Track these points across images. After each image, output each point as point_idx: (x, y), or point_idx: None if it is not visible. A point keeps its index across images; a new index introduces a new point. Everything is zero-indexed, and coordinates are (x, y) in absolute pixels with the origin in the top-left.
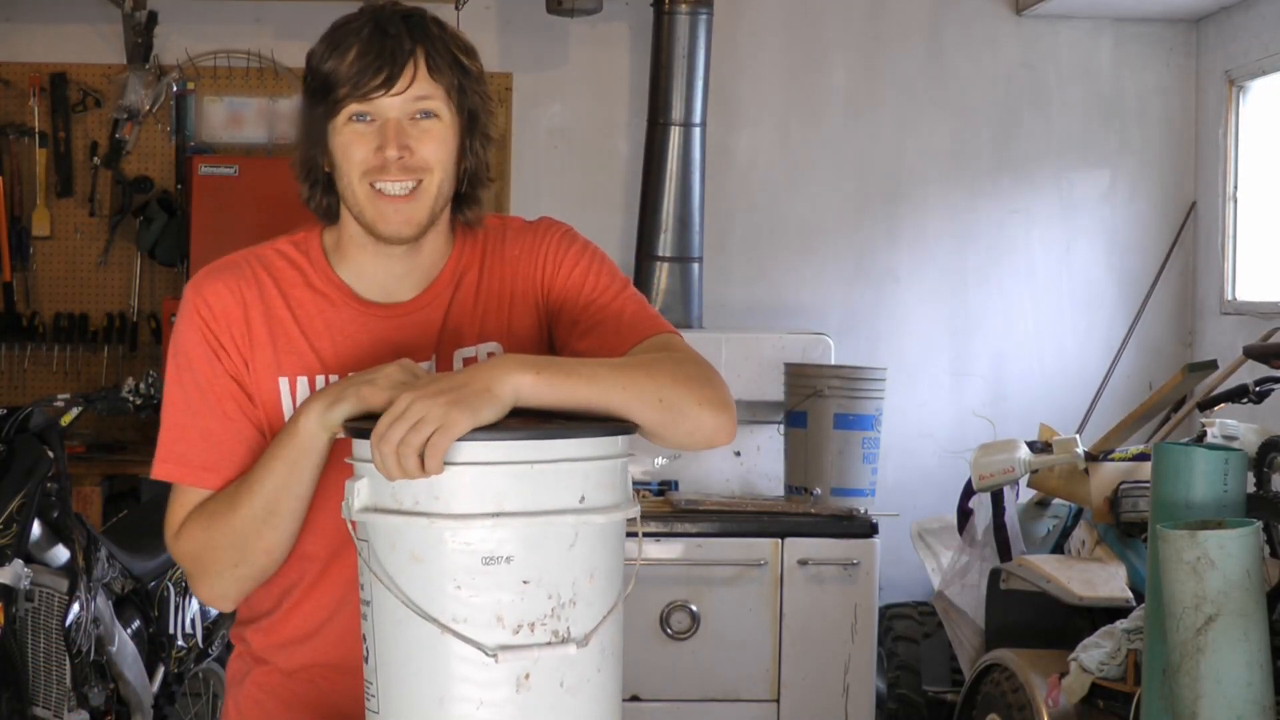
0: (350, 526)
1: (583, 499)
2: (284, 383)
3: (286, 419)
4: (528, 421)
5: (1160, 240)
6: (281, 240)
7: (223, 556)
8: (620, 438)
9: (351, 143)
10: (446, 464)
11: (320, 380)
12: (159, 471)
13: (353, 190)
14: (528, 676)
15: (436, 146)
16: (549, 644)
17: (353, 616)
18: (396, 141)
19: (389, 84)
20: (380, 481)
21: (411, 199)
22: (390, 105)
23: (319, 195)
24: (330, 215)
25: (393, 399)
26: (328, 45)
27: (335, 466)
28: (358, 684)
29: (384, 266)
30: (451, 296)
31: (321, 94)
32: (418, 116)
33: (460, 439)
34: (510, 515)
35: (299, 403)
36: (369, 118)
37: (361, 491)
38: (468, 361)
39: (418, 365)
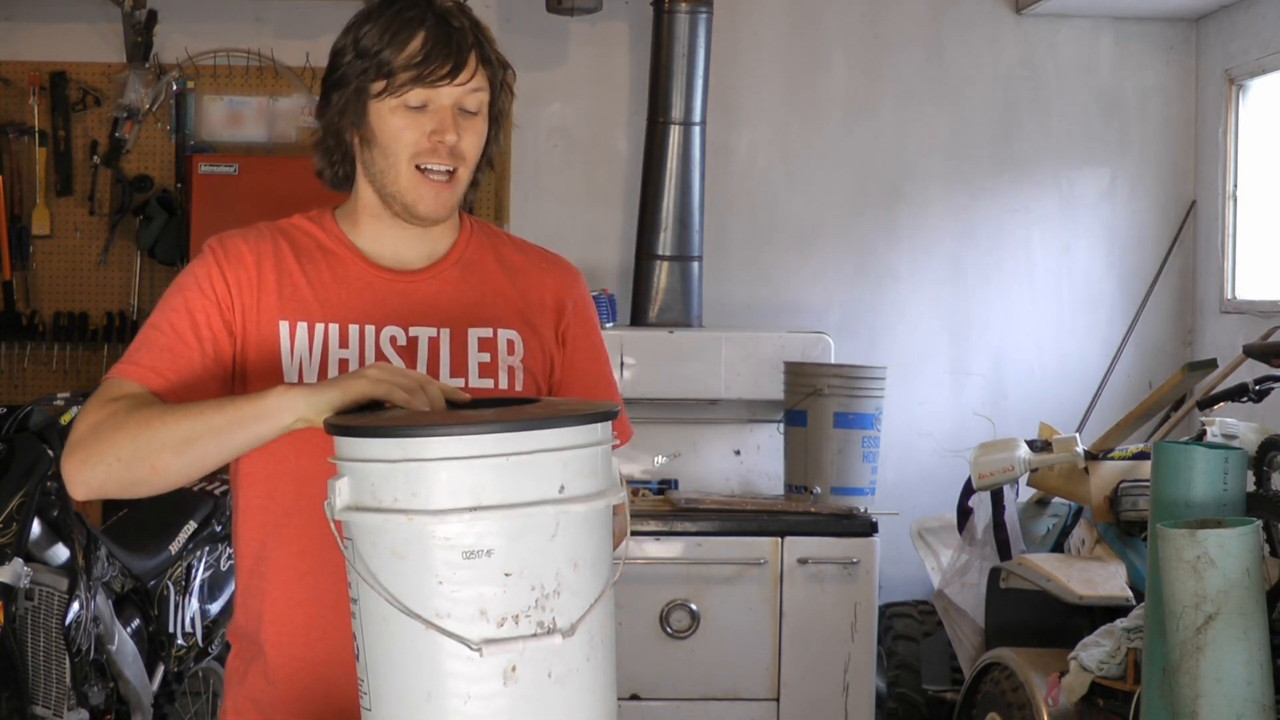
0: (334, 526)
1: (562, 489)
2: (284, 326)
3: (283, 361)
4: (503, 413)
5: (1160, 239)
6: (296, 216)
7: (115, 447)
8: (599, 425)
9: (405, 126)
10: (424, 460)
11: (320, 328)
12: (114, 372)
13: (397, 170)
14: (514, 669)
15: (475, 140)
16: (534, 635)
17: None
18: (455, 129)
19: (455, 73)
20: (361, 480)
21: (449, 185)
22: (449, 93)
23: (337, 165)
24: (341, 184)
25: (380, 393)
26: (384, 30)
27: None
28: (355, 681)
29: (396, 236)
30: (458, 275)
31: (371, 74)
32: (465, 109)
33: (435, 434)
34: (489, 509)
35: (296, 346)
36: (423, 103)
37: (343, 491)
38: (483, 342)
39: (394, 366)
